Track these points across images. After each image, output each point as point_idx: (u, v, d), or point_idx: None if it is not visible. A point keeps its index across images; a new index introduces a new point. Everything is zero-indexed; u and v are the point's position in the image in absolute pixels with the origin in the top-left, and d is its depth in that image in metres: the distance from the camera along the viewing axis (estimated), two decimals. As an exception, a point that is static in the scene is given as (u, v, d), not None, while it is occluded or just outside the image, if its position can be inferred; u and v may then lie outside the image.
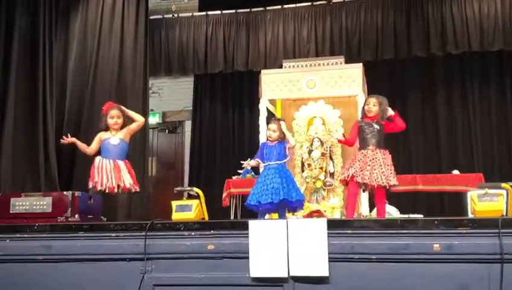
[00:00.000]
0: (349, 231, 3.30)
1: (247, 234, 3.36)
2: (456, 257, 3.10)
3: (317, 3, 9.59)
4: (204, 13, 10.07)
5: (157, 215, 4.04)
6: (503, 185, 3.64)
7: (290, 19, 9.66)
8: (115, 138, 5.23)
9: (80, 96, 7.97)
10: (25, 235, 3.79)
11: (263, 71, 7.77)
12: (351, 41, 9.29)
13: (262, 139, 6.67)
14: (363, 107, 5.11)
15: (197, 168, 10.09)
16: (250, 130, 9.43)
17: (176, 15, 10.19)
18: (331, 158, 6.67)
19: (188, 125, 10.54)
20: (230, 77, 10.18)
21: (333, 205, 6.40)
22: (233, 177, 7.73)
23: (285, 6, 9.70)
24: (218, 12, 10.00)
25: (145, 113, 8.79)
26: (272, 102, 7.57)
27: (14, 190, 6.26)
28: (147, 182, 8.85)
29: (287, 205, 4.56)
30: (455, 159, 8.89)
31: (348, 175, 4.82)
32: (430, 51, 8.94)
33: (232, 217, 7.39)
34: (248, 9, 9.86)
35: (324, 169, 6.59)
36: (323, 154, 6.67)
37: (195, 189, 4.40)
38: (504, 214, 3.43)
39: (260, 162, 4.67)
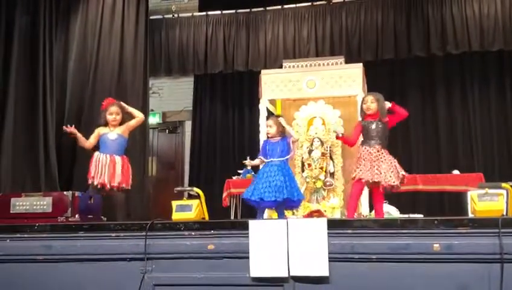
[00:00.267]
0: (350, 231, 3.30)
1: (247, 233, 3.36)
2: (456, 256, 3.10)
3: (317, 3, 9.60)
4: (204, 13, 10.08)
5: (157, 215, 4.05)
6: (503, 184, 3.64)
7: (290, 19, 9.66)
8: (113, 133, 5.26)
9: (80, 96, 7.96)
10: (25, 235, 3.79)
11: (263, 71, 7.76)
12: (351, 42, 9.30)
13: (262, 139, 6.67)
14: (361, 107, 5.08)
15: (197, 168, 10.09)
16: (250, 130, 9.43)
17: (176, 15, 10.20)
18: (331, 158, 6.67)
19: (188, 126, 10.54)
20: (230, 77, 10.19)
21: (333, 205, 6.40)
22: (234, 177, 7.74)
23: (285, 6, 9.71)
24: (218, 12, 10.00)
25: (145, 113, 8.79)
26: (272, 102, 7.57)
27: (14, 189, 6.25)
28: (147, 182, 8.85)
29: (287, 203, 4.56)
30: (455, 159, 8.90)
31: (356, 177, 4.81)
32: (430, 51, 8.94)
33: (232, 217, 7.40)
34: (248, 10, 9.87)
35: (324, 169, 6.59)
36: (323, 154, 6.66)
37: (196, 189, 4.40)
38: (504, 213, 3.44)
39: (264, 160, 4.65)
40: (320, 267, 3.21)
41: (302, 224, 3.34)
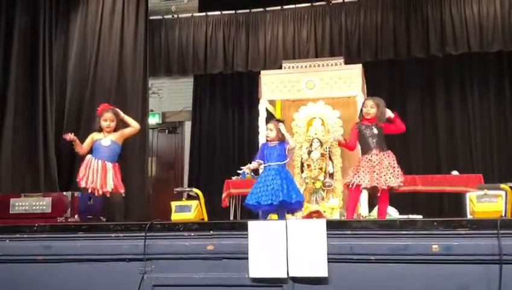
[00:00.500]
0: (349, 232, 3.30)
1: (247, 234, 3.36)
2: (455, 257, 3.10)
3: (317, 4, 9.60)
4: (204, 14, 10.08)
5: (156, 215, 4.04)
6: (502, 186, 3.65)
7: (289, 20, 9.67)
8: (106, 139, 5.19)
9: (79, 96, 7.97)
10: (25, 236, 3.79)
11: (263, 72, 7.77)
12: (350, 42, 9.30)
13: (261, 139, 6.68)
14: (361, 110, 5.08)
15: (196, 168, 10.10)
16: (250, 130, 9.44)
17: (175, 15, 10.20)
18: (330, 159, 6.66)
19: (187, 126, 10.55)
20: (229, 77, 10.19)
21: (332, 206, 6.39)
22: (233, 178, 7.73)
23: (285, 7, 9.72)
24: (218, 12, 10.01)
25: (144, 113, 8.80)
26: (272, 103, 7.57)
27: (14, 190, 6.25)
28: (146, 183, 8.86)
29: (286, 206, 4.57)
30: (454, 159, 8.90)
31: (353, 183, 4.80)
32: (430, 52, 8.95)
33: (231, 217, 7.40)
34: (248, 10, 9.87)
35: (323, 170, 6.58)
36: (322, 155, 6.66)
37: (195, 189, 4.41)
38: (503, 215, 3.45)
39: (261, 163, 4.68)
40: (319, 268, 3.21)
41: (301, 225, 3.34)
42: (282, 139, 4.70)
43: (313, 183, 6.60)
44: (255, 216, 4.68)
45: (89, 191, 4.99)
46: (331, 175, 6.64)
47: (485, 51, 8.81)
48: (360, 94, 6.97)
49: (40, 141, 7.09)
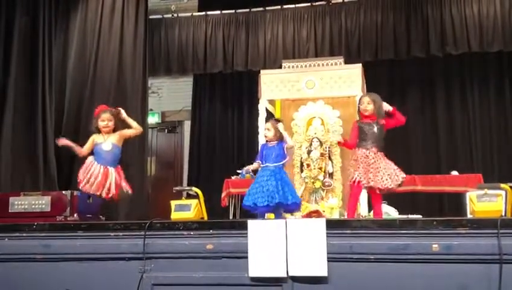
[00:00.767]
0: (348, 231, 3.30)
1: (246, 233, 3.36)
2: (455, 257, 3.10)
3: (317, 3, 9.60)
4: (203, 13, 10.08)
5: (156, 214, 4.04)
6: (502, 185, 3.65)
7: (289, 19, 9.66)
8: (107, 143, 5.13)
9: (79, 95, 7.97)
10: (24, 235, 3.78)
11: (262, 71, 7.76)
12: (350, 42, 9.30)
13: (261, 139, 6.66)
14: (358, 108, 5.06)
15: (196, 168, 10.09)
16: (249, 130, 9.44)
17: (175, 15, 10.19)
18: (330, 158, 6.65)
19: (187, 125, 10.55)
20: (229, 77, 10.19)
21: (332, 205, 6.38)
22: (232, 177, 7.73)
23: (285, 6, 9.71)
24: (218, 12, 10.00)
25: (144, 113, 8.80)
26: (271, 102, 7.56)
27: (13, 189, 6.25)
28: (146, 182, 8.85)
29: (282, 207, 4.56)
30: (454, 159, 8.90)
31: (356, 180, 4.79)
32: (430, 51, 8.94)
33: (231, 217, 7.39)
34: (247, 10, 9.87)
35: (323, 169, 6.58)
36: (322, 155, 6.65)
37: (194, 189, 4.40)
38: (503, 214, 3.44)
39: (260, 163, 4.67)
40: (319, 268, 3.21)
41: (301, 224, 3.34)
42: (280, 139, 4.69)
43: (313, 182, 6.59)
44: (254, 215, 4.67)
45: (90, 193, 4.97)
46: (331, 175, 6.63)
47: (485, 50, 8.80)
48: (360, 94, 6.94)
49: (40, 140, 7.08)
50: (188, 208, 3.91)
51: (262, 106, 7.39)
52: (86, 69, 8.12)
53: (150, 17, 9.69)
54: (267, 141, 4.78)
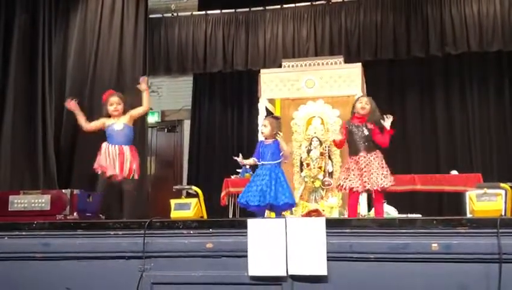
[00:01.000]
0: (348, 230, 3.30)
1: (246, 232, 3.36)
2: (454, 256, 3.10)
3: (317, 3, 9.60)
4: (203, 12, 10.07)
5: (155, 213, 4.04)
6: (502, 185, 3.64)
7: (289, 19, 9.66)
8: (118, 123, 5.14)
9: (79, 94, 7.91)
10: (24, 233, 3.79)
11: (262, 70, 7.76)
12: (350, 41, 9.30)
13: (261, 138, 6.67)
14: (355, 106, 4.90)
15: (195, 167, 10.09)
16: (249, 129, 9.43)
17: (175, 14, 10.19)
18: (329, 158, 6.65)
19: (186, 124, 10.54)
20: (229, 76, 10.18)
21: (332, 205, 6.39)
22: (232, 177, 7.73)
23: (285, 6, 9.71)
24: (218, 11, 10.00)
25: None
26: (271, 101, 7.56)
27: (13, 187, 6.25)
28: (145, 181, 8.84)
29: (272, 208, 4.54)
30: (454, 159, 8.91)
31: (345, 187, 4.77)
32: (429, 51, 8.95)
33: (230, 216, 7.39)
34: (247, 9, 9.87)
35: (323, 168, 6.58)
36: (322, 154, 6.65)
37: (194, 187, 4.39)
38: (503, 214, 3.44)
39: (256, 161, 4.66)
40: (319, 267, 3.21)
41: (301, 223, 3.34)
42: (276, 136, 4.68)
43: (312, 182, 6.59)
44: (254, 214, 4.67)
45: (111, 178, 4.95)
46: (331, 174, 6.63)
47: (485, 50, 8.81)
48: (360, 93, 6.95)
49: (39, 139, 7.08)
50: (188, 207, 3.90)
51: (262, 105, 7.40)
52: (85, 67, 8.12)
53: (150, 16, 9.69)
54: (264, 137, 4.76)
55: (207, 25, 9.98)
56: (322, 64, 7.50)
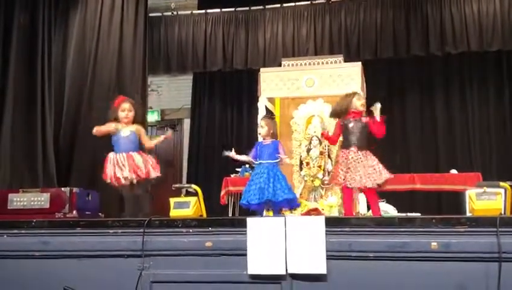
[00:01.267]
0: (347, 229, 3.30)
1: (245, 231, 3.36)
2: (454, 255, 3.10)
3: (317, 2, 9.61)
4: (203, 11, 10.08)
5: (155, 212, 4.03)
6: (501, 184, 3.64)
7: (289, 18, 9.67)
8: (124, 131, 4.95)
9: (78, 93, 7.95)
10: (23, 231, 3.78)
11: (262, 69, 7.74)
12: (350, 40, 9.30)
13: (260, 137, 6.67)
14: (352, 101, 4.79)
15: (195, 165, 10.10)
16: (249, 128, 9.44)
17: (175, 13, 10.19)
18: (329, 157, 6.64)
19: (186, 123, 10.55)
20: (229, 75, 10.19)
21: (331, 204, 6.37)
22: (232, 175, 7.73)
23: (285, 4, 9.72)
24: (218, 10, 10.01)
25: (143, 110, 8.77)
26: (271, 100, 7.55)
27: (12, 185, 6.24)
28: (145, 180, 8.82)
29: (273, 204, 4.53)
30: (453, 158, 8.91)
31: (340, 183, 4.76)
32: (429, 50, 8.95)
33: (230, 214, 7.39)
34: (247, 8, 9.88)
35: (322, 168, 6.57)
36: (321, 153, 6.64)
37: (194, 186, 4.39)
38: (502, 212, 3.44)
39: (250, 158, 4.65)
40: (318, 265, 3.21)
41: (300, 222, 3.34)
42: (274, 136, 4.69)
43: (312, 181, 6.59)
44: (253, 213, 4.66)
45: (123, 183, 4.77)
46: (330, 173, 6.63)
47: (485, 50, 8.82)
48: (360, 92, 6.95)
49: (39, 137, 7.07)
50: (187, 205, 3.91)
51: (262, 104, 7.38)
52: (85, 66, 8.11)
53: (150, 15, 9.68)
54: (262, 137, 4.76)
55: (207, 23, 9.99)
56: (322, 63, 7.49)
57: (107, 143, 5.01)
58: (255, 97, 7.84)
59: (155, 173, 5.02)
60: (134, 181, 4.83)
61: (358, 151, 4.67)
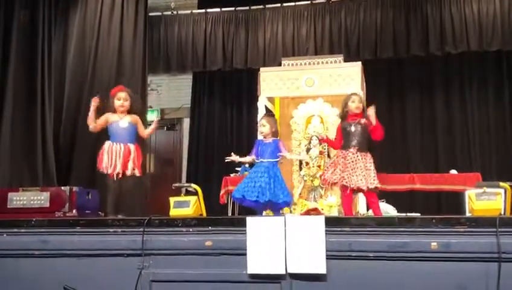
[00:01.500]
0: (347, 229, 3.30)
1: (245, 230, 3.36)
2: (453, 255, 3.11)
3: (317, 1, 9.60)
4: (203, 10, 10.07)
5: (155, 211, 4.03)
6: (501, 184, 3.65)
7: (289, 17, 9.66)
8: (123, 121, 4.99)
9: (78, 92, 7.95)
10: (22, 230, 3.78)
11: (262, 69, 7.75)
12: (350, 40, 9.29)
13: (260, 137, 6.67)
14: (347, 105, 4.85)
15: (195, 165, 10.09)
16: (249, 127, 9.44)
17: (175, 12, 10.18)
18: (329, 156, 6.66)
19: (186, 123, 10.54)
20: (229, 74, 10.18)
21: (331, 203, 6.38)
22: (231, 175, 7.72)
23: (285, 4, 9.71)
24: (218, 9, 10.00)
25: (143, 110, 8.78)
26: (271, 100, 7.56)
27: (12, 184, 6.24)
28: (145, 179, 8.83)
29: (272, 205, 4.54)
30: (453, 158, 8.90)
31: (326, 178, 4.77)
32: (429, 50, 8.95)
33: (229, 214, 7.39)
34: (247, 7, 9.86)
35: (322, 167, 6.59)
36: (321, 153, 6.66)
37: (193, 185, 4.39)
38: (502, 213, 3.44)
39: (254, 157, 4.66)
40: (318, 265, 3.21)
41: (300, 221, 3.34)
42: (276, 135, 4.70)
43: (311, 181, 6.60)
44: (253, 212, 4.67)
45: (115, 177, 4.80)
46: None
47: (485, 50, 8.81)
48: (360, 92, 6.95)
49: (39, 136, 7.07)
50: (187, 204, 3.91)
51: (262, 104, 7.39)
52: (85, 65, 8.10)
53: (150, 14, 9.67)
54: (263, 136, 4.76)
55: (207, 23, 9.97)
56: (322, 63, 7.50)
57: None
58: (255, 97, 7.84)
59: (135, 171, 4.96)
60: (120, 175, 4.84)
61: (358, 153, 4.68)
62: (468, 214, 3.71)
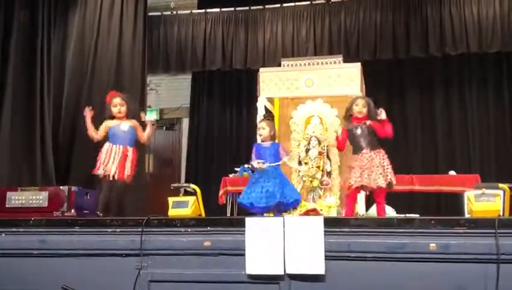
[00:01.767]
0: (346, 230, 3.30)
1: (244, 231, 3.35)
2: (452, 256, 3.10)
3: (316, 2, 9.60)
4: (203, 10, 10.08)
5: (153, 211, 4.03)
6: (500, 185, 3.65)
7: (288, 18, 9.66)
8: (124, 124, 5.04)
9: (77, 92, 7.95)
10: (21, 230, 3.78)
11: (261, 69, 7.73)
12: (349, 41, 9.30)
13: (259, 137, 6.66)
14: (351, 108, 4.94)
15: (194, 165, 10.09)
16: (248, 128, 9.44)
17: (174, 12, 10.18)
18: (328, 157, 6.63)
19: (185, 123, 10.54)
20: (228, 74, 10.18)
21: (330, 204, 6.36)
22: (230, 175, 7.72)
23: (284, 5, 9.71)
24: (217, 10, 10.00)
25: (142, 110, 8.78)
26: (270, 100, 7.55)
27: (11, 184, 6.23)
28: (143, 179, 8.83)
29: (282, 206, 4.52)
30: (452, 159, 8.91)
31: (351, 185, 4.78)
32: (429, 52, 8.95)
33: (228, 214, 7.39)
34: (247, 8, 9.87)
35: (321, 168, 6.56)
36: (320, 153, 6.63)
37: (192, 185, 4.39)
38: (501, 214, 3.44)
39: (263, 162, 4.59)
40: (316, 266, 3.21)
41: (299, 222, 3.34)
42: (274, 138, 4.69)
43: (311, 181, 6.57)
44: (252, 213, 4.66)
45: (107, 178, 4.83)
46: (329, 173, 6.61)
47: (484, 51, 8.81)
48: (359, 93, 6.95)
49: (38, 136, 7.07)
50: (186, 204, 3.90)
51: (261, 104, 7.38)
52: (84, 65, 8.10)
53: (149, 14, 9.66)
54: (262, 140, 4.75)
55: (206, 23, 9.98)
56: (321, 63, 7.49)
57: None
58: (254, 97, 7.83)
59: (125, 176, 4.95)
60: (116, 177, 4.86)
61: (371, 152, 4.71)
62: (467, 216, 3.71)
